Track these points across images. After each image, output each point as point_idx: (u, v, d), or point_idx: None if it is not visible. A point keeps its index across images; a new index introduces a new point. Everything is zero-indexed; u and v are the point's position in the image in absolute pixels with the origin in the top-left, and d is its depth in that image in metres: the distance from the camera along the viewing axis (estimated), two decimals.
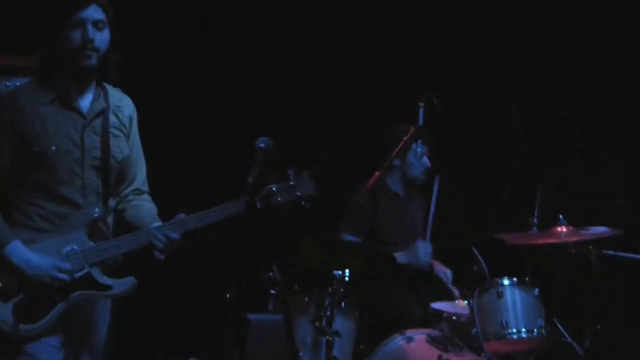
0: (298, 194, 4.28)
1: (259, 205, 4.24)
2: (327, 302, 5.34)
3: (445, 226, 6.19)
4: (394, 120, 6.11)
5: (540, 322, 5.38)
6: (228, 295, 5.44)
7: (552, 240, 5.52)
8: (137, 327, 6.39)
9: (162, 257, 4.18)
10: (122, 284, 4.20)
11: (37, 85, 4.20)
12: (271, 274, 5.72)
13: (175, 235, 4.18)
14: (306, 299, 5.50)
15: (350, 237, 5.87)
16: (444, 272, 6.19)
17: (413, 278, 5.98)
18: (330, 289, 5.33)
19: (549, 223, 5.58)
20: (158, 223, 4.27)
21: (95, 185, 4.22)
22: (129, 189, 4.42)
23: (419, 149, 6.08)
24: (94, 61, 4.11)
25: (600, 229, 5.51)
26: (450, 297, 5.86)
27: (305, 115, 6.79)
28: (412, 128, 5.49)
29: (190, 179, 6.35)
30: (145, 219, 4.32)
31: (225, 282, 5.54)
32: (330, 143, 6.66)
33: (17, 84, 4.42)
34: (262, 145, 4.49)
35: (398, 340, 5.42)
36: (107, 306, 4.39)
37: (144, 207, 4.41)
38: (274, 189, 4.27)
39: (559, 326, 5.52)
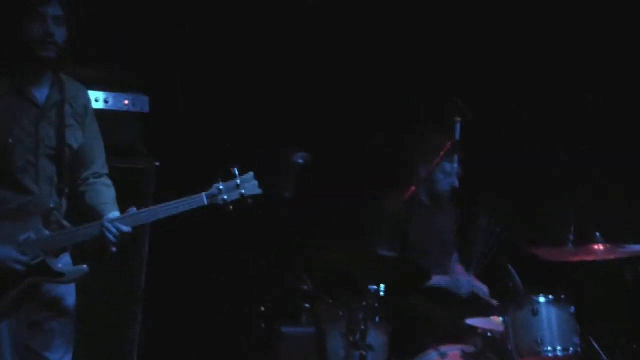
0: (243, 192, 4.28)
1: (206, 203, 4.26)
2: (360, 316, 5.30)
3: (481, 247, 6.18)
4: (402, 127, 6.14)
5: (576, 339, 5.32)
6: (261, 308, 5.71)
7: (588, 257, 5.46)
8: (169, 337, 6.42)
9: (113, 249, 4.24)
10: (74, 272, 4.28)
11: None
12: (304, 286, 5.81)
13: (126, 229, 4.24)
14: (339, 312, 5.48)
15: (384, 252, 5.80)
16: (480, 288, 6.15)
17: (447, 293, 5.97)
18: (363, 303, 5.30)
19: (585, 239, 5.51)
20: (116, 210, 4.35)
21: (50, 174, 4.31)
22: (88, 172, 4.50)
23: (449, 166, 6.03)
24: (52, 54, 4.24)
25: (637, 247, 5.44)
26: (487, 311, 5.78)
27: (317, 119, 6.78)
28: (449, 143, 5.51)
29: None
30: (103, 205, 4.38)
31: (259, 295, 5.81)
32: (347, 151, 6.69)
33: None
34: (300, 161, 4.65)
35: (432, 355, 5.38)
36: (71, 285, 4.44)
37: (103, 193, 4.48)
38: (220, 187, 4.29)
39: (594, 344, 5.47)
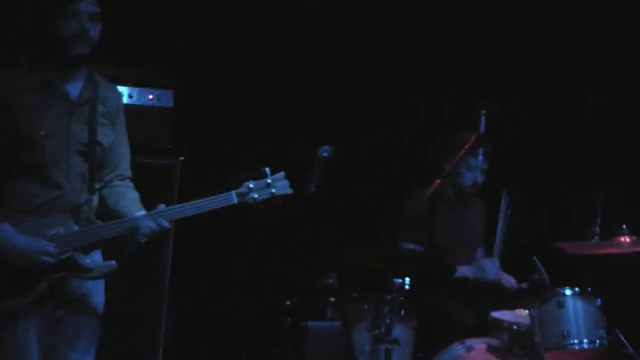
0: (273, 191, 4.30)
1: (235, 201, 4.27)
2: (385, 310, 5.30)
3: (509, 238, 6.16)
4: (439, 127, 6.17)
5: (602, 332, 5.32)
6: (287, 302, 5.64)
7: (614, 251, 5.44)
8: (194, 333, 6.45)
9: (143, 241, 4.25)
10: (103, 268, 4.27)
11: (24, 70, 4.33)
12: (330, 281, 5.75)
13: (167, 224, 4.26)
14: (365, 307, 5.47)
15: (410, 245, 5.84)
16: (508, 280, 6.12)
17: (473, 287, 5.98)
18: (389, 297, 5.30)
19: (611, 233, 5.50)
20: (142, 211, 4.33)
21: (81, 170, 4.31)
22: (112, 175, 4.48)
23: (474, 161, 6.03)
24: (87, 50, 4.25)
25: None
26: (515, 300, 5.81)
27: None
28: (473, 136, 5.52)
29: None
30: (127, 207, 4.37)
31: (285, 289, 5.76)
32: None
33: None
34: (324, 154, 4.67)
35: (458, 349, 5.40)
36: (100, 283, 4.44)
37: (127, 195, 4.47)
38: (250, 185, 4.30)
39: (621, 337, 5.41)
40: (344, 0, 6.73)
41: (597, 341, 5.30)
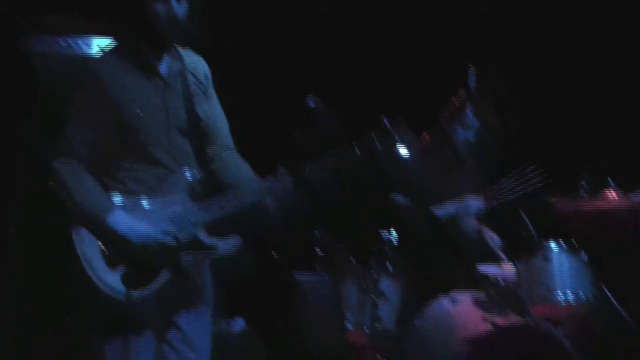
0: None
1: None
2: (373, 263, 5.36)
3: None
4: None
5: (588, 287, 5.33)
6: (275, 255, 5.70)
7: (601, 205, 5.45)
8: None
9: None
10: (227, 244, 4.11)
11: (117, 52, 4.20)
12: (318, 235, 5.78)
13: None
14: (353, 260, 5.53)
15: (399, 199, 5.79)
16: (491, 237, 6.01)
17: (460, 241, 5.90)
18: (377, 250, 5.35)
19: (598, 187, 5.51)
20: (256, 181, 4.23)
21: (184, 147, 4.19)
22: (216, 146, 4.33)
23: (467, 120, 5.98)
24: (175, 32, 4.12)
25: None
26: (499, 262, 5.72)
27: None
28: (463, 92, 5.57)
29: None
30: (241, 178, 4.27)
31: (273, 242, 5.76)
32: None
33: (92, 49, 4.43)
34: (311, 104, 4.49)
35: (444, 301, 5.41)
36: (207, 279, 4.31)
37: (239, 166, 4.35)
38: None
39: (607, 292, 5.43)
40: None
41: (582, 295, 5.32)
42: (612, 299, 5.41)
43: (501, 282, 5.41)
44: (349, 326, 5.50)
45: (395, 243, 5.40)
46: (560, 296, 5.31)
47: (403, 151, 4.58)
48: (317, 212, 5.62)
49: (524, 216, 5.47)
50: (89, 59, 4.27)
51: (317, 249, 5.77)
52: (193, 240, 4.05)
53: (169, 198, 4.07)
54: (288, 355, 5.42)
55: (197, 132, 4.24)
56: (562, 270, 5.35)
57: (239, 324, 5.60)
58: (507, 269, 5.54)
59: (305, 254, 5.78)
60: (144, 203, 4.05)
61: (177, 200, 4.07)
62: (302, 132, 4.48)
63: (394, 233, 5.39)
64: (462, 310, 5.33)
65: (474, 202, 5.85)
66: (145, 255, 3.96)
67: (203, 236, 4.07)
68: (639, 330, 5.35)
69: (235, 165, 4.32)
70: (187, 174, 4.14)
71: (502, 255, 5.69)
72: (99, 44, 4.82)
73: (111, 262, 3.94)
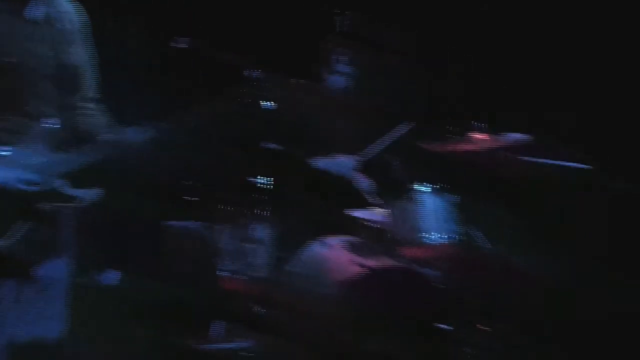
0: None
1: None
2: (248, 210, 5.33)
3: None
4: None
5: (458, 229, 5.37)
6: (143, 201, 5.46)
7: (469, 147, 5.45)
8: None
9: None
10: (87, 194, 4.03)
11: None
12: (190, 181, 5.67)
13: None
14: (227, 206, 5.46)
15: (272, 145, 5.66)
16: (363, 183, 6.07)
17: (331, 186, 5.95)
18: (252, 196, 5.31)
19: (463, 129, 5.50)
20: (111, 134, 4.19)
21: (53, 95, 4.11)
22: (80, 96, 4.27)
23: (341, 66, 5.97)
24: None
25: (517, 135, 5.41)
26: (370, 206, 5.81)
27: None
28: (330, 37, 5.62)
29: None
30: (98, 129, 4.24)
31: (141, 187, 5.41)
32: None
33: None
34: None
35: (315, 247, 5.44)
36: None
37: (100, 118, 4.31)
38: None
39: (476, 233, 5.48)
40: None
41: (453, 237, 5.37)
42: (483, 242, 5.46)
43: (372, 225, 5.49)
44: (225, 274, 5.42)
45: (270, 189, 5.32)
46: (430, 238, 5.36)
47: (273, 98, 4.57)
48: (189, 160, 5.62)
49: (394, 161, 5.57)
50: None
51: (190, 197, 5.67)
52: (53, 190, 3.98)
53: (30, 147, 3.99)
54: (160, 304, 5.29)
55: (63, 80, 4.16)
56: (431, 212, 5.40)
57: (109, 276, 5.50)
58: (378, 213, 5.60)
59: (177, 202, 5.64)
60: (4, 151, 3.97)
61: (38, 150, 4.00)
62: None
63: (267, 179, 5.32)
64: (334, 254, 5.36)
65: (346, 161, 5.90)
66: (2, 203, 3.88)
67: (63, 186, 4.00)
68: (506, 270, 5.40)
69: (97, 117, 4.29)
70: (50, 123, 4.06)
71: (374, 200, 5.73)
72: None
73: None
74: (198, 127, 4.18)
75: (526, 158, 5.47)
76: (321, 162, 5.97)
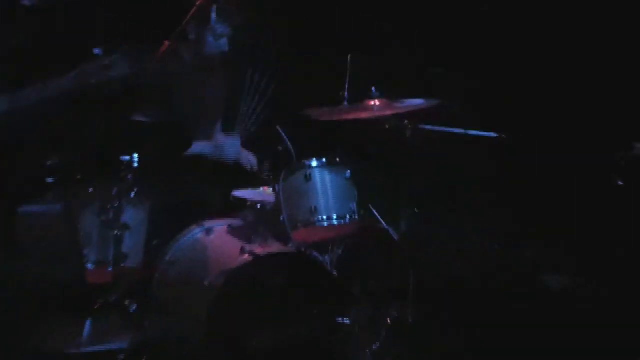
0: (113, 74, 4.06)
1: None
2: (114, 192, 4.92)
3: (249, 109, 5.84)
4: None
5: (353, 206, 5.05)
6: None
7: (364, 115, 5.09)
8: None
9: None
10: None
11: None
12: (49, 162, 5.12)
13: None
14: (90, 189, 5.01)
15: (139, 117, 5.31)
16: (247, 158, 5.77)
17: (212, 163, 5.62)
18: (117, 177, 4.91)
19: (360, 96, 5.14)
20: None
21: None
22: None
23: (218, 27, 5.57)
24: None
25: (417, 101, 5.10)
26: (255, 184, 5.41)
27: None
28: None
29: None
30: None
31: None
32: None
33: None
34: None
35: (196, 232, 5.06)
36: None
37: None
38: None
39: (373, 210, 5.12)
40: None
41: (348, 216, 5.04)
42: (380, 219, 5.12)
43: (259, 207, 5.12)
44: (89, 265, 4.99)
45: (138, 167, 4.92)
46: (323, 219, 5.01)
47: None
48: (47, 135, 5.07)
49: (282, 132, 5.23)
50: None
51: (49, 177, 5.13)
52: None
53: None
54: (15, 300, 4.87)
55: None
56: (325, 190, 5.06)
57: None
58: (265, 193, 5.26)
59: (32, 181, 5.15)
60: None
61: None
62: None
63: (135, 155, 4.90)
64: (218, 241, 4.99)
65: (230, 145, 5.69)
66: None
67: None
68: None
69: None
70: None
71: (260, 177, 5.39)
72: None
73: None
74: (57, 97, 4.04)
75: (429, 127, 5.26)
76: (202, 145, 5.70)
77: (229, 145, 5.67)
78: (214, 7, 5.44)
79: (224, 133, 5.77)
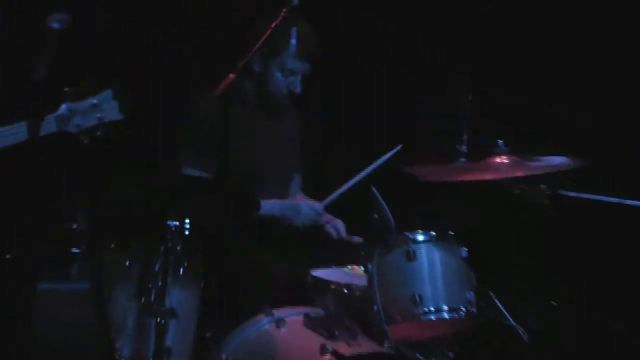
0: (99, 116, 3.81)
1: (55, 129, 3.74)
2: (157, 267, 4.26)
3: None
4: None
5: (469, 295, 4.44)
6: (8, 256, 4.88)
7: (487, 176, 4.61)
8: None
9: None
10: None
11: None
12: (75, 225, 4.97)
13: None
14: (127, 262, 4.41)
15: (193, 171, 4.77)
16: (334, 225, 5.09)
17: (285, 231, 4.96)
18: (162, 247, 4.24)
19: (482, 151, 4.68)
20: None
21: None
22: None
23: (291, 63, 4.94)
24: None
25: (558, 159, 4.61)
26: (341, 261, 4.86)
27: None
28: (284, 10, 4.35)
29: None
30: None
31: (6, 237, 4.96)
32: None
33: None
34: (56, 26, 3.78)
35: (263, 323, 4.42)
36: None
37: None
38: (70, 108, 3.77)
39: (496, 301, 4.60)
40: None
41: (462, 308, 4.41)
42: (505, 312, 4.56)
43: (346, 292, 4.59)
44: None
45: (190, 236, 4.27)
46: (430, 311, 4.38)
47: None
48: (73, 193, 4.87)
49: (377, 195, 4.57)
50: None
51: (74, 246, 4.83)
52: None
53: None
54: None
55: None
56: (433, 273, 4.45)
57: None
58: (354, 273, 4.76)
59: (55, 253, 4.84)
60: None
61: None
62: None
63: (187, 221, 4.26)
64: (290, 335, 4.37)
65: (307, 206, 5.08)
66: None
67: None
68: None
69: None
70: None
71: (348, 253, 4.88)
72: None
73: None
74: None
75: (573, 193, 4.66)
76: (274, 204, 5.01)
77: (306, 207, 5.02)
78: (294, 29, 4.78)
79: (302, 192, 5.22)
